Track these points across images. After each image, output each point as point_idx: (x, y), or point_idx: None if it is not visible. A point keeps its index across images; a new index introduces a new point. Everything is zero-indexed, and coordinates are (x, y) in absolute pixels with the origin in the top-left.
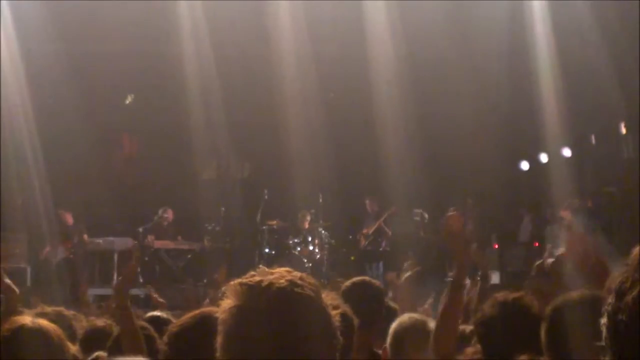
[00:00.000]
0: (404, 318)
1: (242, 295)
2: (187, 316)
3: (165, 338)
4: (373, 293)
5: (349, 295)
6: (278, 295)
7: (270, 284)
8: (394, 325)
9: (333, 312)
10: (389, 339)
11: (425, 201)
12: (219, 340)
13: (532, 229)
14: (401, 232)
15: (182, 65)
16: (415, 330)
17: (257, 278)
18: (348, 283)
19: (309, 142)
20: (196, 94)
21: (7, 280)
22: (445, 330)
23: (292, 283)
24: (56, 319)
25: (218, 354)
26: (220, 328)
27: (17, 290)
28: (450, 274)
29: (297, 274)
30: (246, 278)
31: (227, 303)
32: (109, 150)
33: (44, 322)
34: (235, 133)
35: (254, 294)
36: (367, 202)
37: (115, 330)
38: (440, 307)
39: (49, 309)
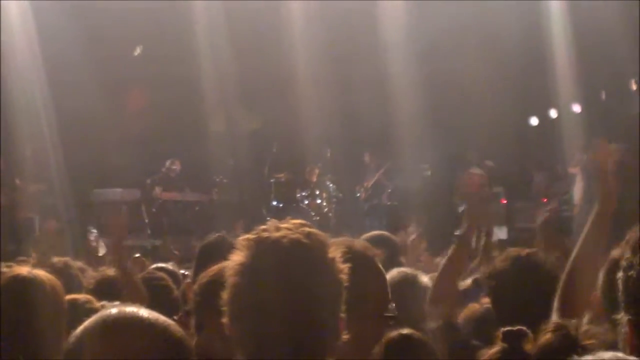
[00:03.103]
0: (393, 273)
1: (250, 251)
2: (218, 267)
3: (196, 288)
4: (389, 250)
5: None
6: (285, 253)
7: (278, 241)
8: None
9: (341, 266)
10: None
11: (432, 156)
12: (227, 295)
13: (541, 185)
14: (406, 186)
15: (192, 16)
16: (406, 285)
17: (266, 234)
18: (366, 237)
19: (318, 95)
20: (205, 45)
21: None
22: (446, 286)
23: (299, 241)
24: (61, 269)
25: (226, 309)
26: (228, 283)
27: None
28: (458, 230)
29: (307, 229)
30: (255, 233)
31: (236, 258)
32: (117, 102)
33: (40, 272)
34: (244, 85)
35: (261, 252)
36: (366, 155)
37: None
38: (443, 263)
39: (55, 259)
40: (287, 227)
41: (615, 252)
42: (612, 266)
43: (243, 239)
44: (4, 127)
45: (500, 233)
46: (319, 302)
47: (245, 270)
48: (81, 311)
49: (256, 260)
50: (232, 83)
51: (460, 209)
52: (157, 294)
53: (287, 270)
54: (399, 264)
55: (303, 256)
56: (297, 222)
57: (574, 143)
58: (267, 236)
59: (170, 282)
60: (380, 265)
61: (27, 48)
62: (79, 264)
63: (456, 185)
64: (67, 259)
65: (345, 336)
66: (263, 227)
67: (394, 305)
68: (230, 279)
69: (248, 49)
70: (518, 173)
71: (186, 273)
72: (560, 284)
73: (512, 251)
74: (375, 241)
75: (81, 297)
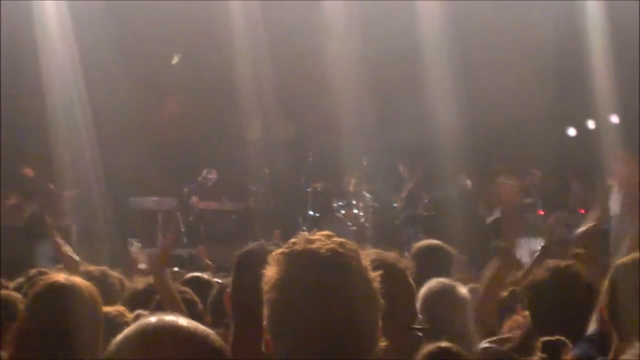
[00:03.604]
0: (432, 283)
1: (285, 266)
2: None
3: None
4: (441, 260)
5: (418, 259)
6: (321, 266)
7: (313, 254)
8: (422, 291)
9: (373, 275)
10: (418, 305)
11: (470, 167)
12: (266, 312)
13: (579, 196)
14: (443, 197)
15: (229, 25)
16: (444, 295)
17: (299, 247)
18: (420, 245)
19: (355, 104)
20: (242, 54)
21: (66, 249)
22: (491, 298)
23: (334, 252)
24: (98, 277)
25: (265, 324)
26: (265, 299)
27: (76, 258)
28: (500, 243)
29: (337, 240)
30: (287, 247)
31: (270, 273)
32: (154, 110)
33: (77, 280)
34: (281, 94)
35: (296, 265)
36: (401, 166)
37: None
38: (487, 276)
39: (92, 268)
40: (319, 239)
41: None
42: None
43: (276, 253)
44: (41, 133)
45: (537, 244)
46: (359, 312)
47: (284, 285)
48: (113, 325)
49: (294, 273)
50: (269, 91)
51: (488, 219)
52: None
53: (328, 281)
54: (450, 274)
55: (342, 265)
56: (324, 233)
57: (611, 154)
58: (303, 248)
59: (193, 295)
60: (410, 279)
61: (66, 56)
62: (116, 273)
63: (485, 195)
64: (104, 267)
65: (382, 343)
66: (293, 240)
67: (421, 317)
68: (268, 295)
69: (285, 58)
70: (555, 184)
71: (221, 282)
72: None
73: (552, 262)
74: (430, 250)
75: (112, 309)
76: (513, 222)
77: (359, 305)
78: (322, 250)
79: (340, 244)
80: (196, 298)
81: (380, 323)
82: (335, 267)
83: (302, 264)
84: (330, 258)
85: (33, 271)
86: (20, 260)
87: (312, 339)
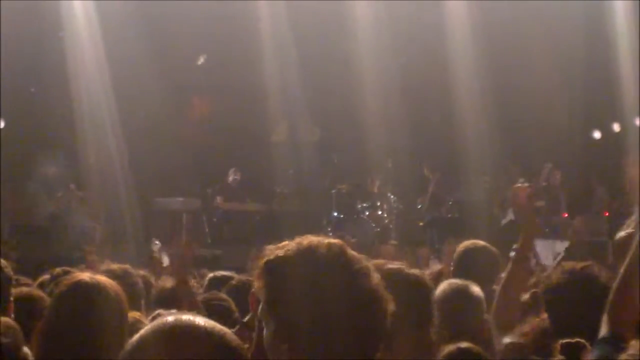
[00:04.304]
0: (445, 284)
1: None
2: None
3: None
4: (490, 260)
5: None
6: (324, 262)
7: (314, 251)
8: (437, 292)
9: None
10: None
11: (493, 170)
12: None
13: (603, 199)
14: (466, 199)
15: (255, 26)
16: (458, 295)
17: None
18: (464, 246)
19: (380, 106)
20: (268, 56)
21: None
22: (508, 301)
23: (335, 247)
24: (121, 276)
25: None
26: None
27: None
28: (515, 245)
29: (320, 249)
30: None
31: (257, 283)
32: (179, 111)
33: (102, 279)
34: (305, 96)
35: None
36: (425, 168)
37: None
38: (504, 278)
39: (114, 266)
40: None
41: None
42: None
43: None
44: (68, 133)
45: (562, 246)
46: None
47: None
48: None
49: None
50: (295, 93)
51: (503, 221)
52: (218, 316)
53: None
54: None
55: (341, 262)
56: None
57: (636, 157)
58: (287, 254)
59: (232, 305)
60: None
61: (93, 56)
62: (141, 272)
63: (500, 197)
64: (127, 266)
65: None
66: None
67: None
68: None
69: (311, 60)
70: (580, 187)
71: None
72: (610, 297)
73: (568, 265)
74: (477, 251)
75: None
76: (528, 225)
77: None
78: (320, 249)
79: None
80: (234, 308)
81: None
82: (337, 262)
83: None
84: (334, 255)
85: (58, 270)
86: (39, 259)
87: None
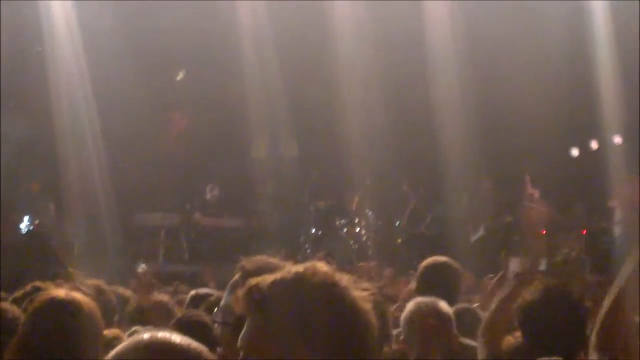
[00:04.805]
0: (411, 304)
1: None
2: None
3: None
4: (452, 277)
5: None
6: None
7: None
8: (404, 313)
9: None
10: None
11: (471, 186)
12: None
13: (580, 217)
14: (449, 215)
15: (234, 41)
16: (424, 313)
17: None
18: (428, 262)
19: (360, 122)
20: (248, 71)
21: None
22: (502, 321)
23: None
24: (94, 292)
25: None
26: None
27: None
28: (515, 267)
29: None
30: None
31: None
32: (158, 126)
33: (76, 295)
34: (284, 112)
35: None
36: (405, 184)
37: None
38: (500, 296)
39: (88, 282)
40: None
41: None
42: None
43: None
44: (48, 148)
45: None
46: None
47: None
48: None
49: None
50: (274, 109)
51: (473, 238)
52: (195, 333)
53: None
54: (458, 290)
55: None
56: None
57: (614, 175)
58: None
59: (209, 321)
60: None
61: (74, 70)
62: (117, 288)
63: (472, 213)
64: (100, 282)
65: None
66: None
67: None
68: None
69: (290, 75)
70: (559, 204)
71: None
72: (599, 322)
73: (541, 282)
74: (438, 267)
75: (109, 333)
76: (535, 247)
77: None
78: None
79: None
80: (210, 323)
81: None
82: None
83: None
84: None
85: (32, 286)
86: (18, 276)
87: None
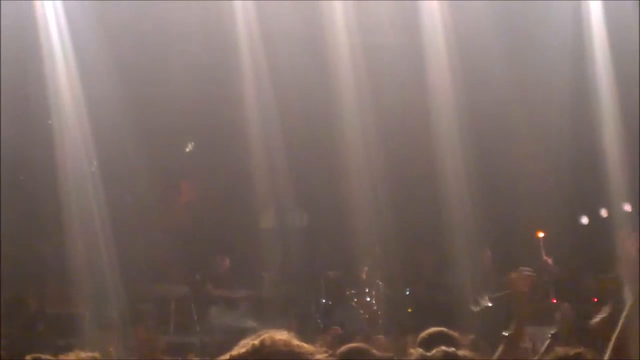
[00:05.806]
0: None
1: None
2: None
3: None
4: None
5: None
6: None
7: None
8: None
9: None
10: None
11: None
12: None
13: (592, 285)
14: (454, 283)
15: (243, 111)
16: None
17: None
18: (426, 334)
19: (368, 192)
20: (256, 139)
21: None
22: None
23: None
24: None
25: None
26: None
27: None
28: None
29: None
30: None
31: None
32: (167, 197)
33: None
34: (293, 182)
35: None
36: (416, 252)
37: None
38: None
39: (83, 355)
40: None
41: None
42: None
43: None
44: (53, 222)
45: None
46: None
47: None
48: None
49: None
50: (281, 179)
51: (475, 308)
52: None
53: None
54: None
55: None
56: None
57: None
58: None
59: None
60: None
61: (80, 145)
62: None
63: (504, 283)
64: (96, 354)
65: None
66: None
67: None
68: None
69: (297, 146)
70: (569, 272)
71: None
72: None
73: (560, 350)
74: (436, 338)
75: None
76: (522, 311)
77: None
78: None
79: None
80: None
81: None
82: None
83: None
84: None
85: (29, 358)
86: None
87: None
